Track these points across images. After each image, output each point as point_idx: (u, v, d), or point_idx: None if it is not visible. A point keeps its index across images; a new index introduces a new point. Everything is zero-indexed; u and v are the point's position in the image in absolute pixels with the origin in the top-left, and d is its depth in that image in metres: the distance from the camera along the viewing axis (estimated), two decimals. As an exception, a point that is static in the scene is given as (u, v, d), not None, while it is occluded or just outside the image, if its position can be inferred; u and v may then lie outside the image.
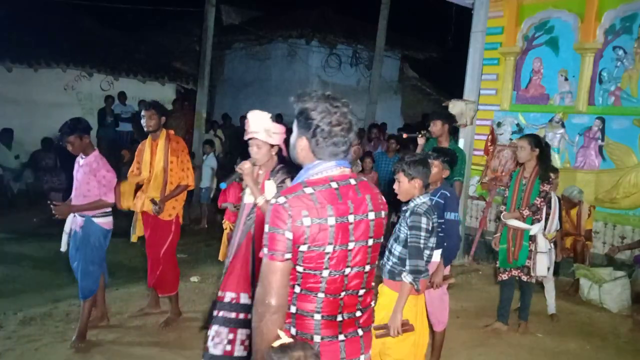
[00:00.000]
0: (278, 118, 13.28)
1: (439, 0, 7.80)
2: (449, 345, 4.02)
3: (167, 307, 4.54)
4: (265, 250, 1.65)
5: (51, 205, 3.87)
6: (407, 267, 2.77)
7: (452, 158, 3.76)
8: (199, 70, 10.76)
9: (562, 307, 5.18)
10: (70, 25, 12.44)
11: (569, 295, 5.61)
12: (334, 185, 1.71)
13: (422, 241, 2.78)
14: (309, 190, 1.67)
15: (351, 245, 1.71)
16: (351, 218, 1.70)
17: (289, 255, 1.64)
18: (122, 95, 11.26)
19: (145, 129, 4.28)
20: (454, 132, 9.39)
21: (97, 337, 4.07)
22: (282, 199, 1.65)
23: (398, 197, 2.98)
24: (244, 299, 3.08)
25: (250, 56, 14.97)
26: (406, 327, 2.77)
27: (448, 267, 3.66)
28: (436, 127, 4.89)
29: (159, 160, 4.24)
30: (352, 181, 1.76)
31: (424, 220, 2.79)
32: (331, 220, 1.65)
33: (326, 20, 14.04)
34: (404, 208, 2.97)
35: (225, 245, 5.26)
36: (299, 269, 1.68)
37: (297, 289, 1.70)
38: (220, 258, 5.33)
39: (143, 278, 4.79)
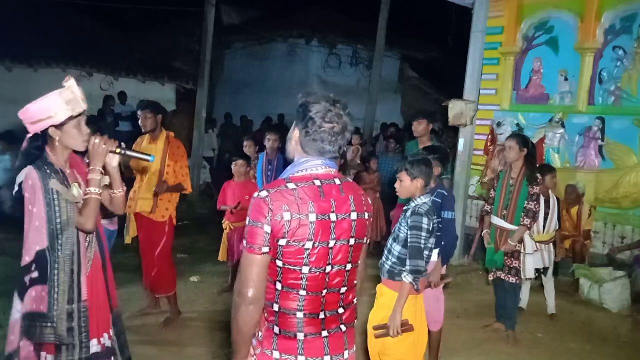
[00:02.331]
0: (280, 118, 13.35)
1: (439, 0, 7.80)
2: (449, 345, 4.02)
3: (167, 307, 4.54)
4: (245, 243, 1.69)
5: None
6: (408, 267, 2.77)
7: (444, 155, 3.76)
8: (199, 70, 10.76)
9: (562, 307, 5.18)
10: (70, 25, 12.43)
11: (569, 295, 5.60)
12: (318, 183, 1.73)
13: (422, 241, 2.78)
14: (291, 186, 1.70)
15: (332, 244, 1.72)
16: (333, 217, 1.72)
17: (266, 249, 1.66)
18: (123, 95, 11.26)
19: (143, 130, 4.27)
20: (442, 133, 9.48)
21: (97, 337, 4.07)
22: (264, 193, 1.68)
23: (397, 194, 2.99)
24: (106, 340, 2.48)
25: (250, 56, 14.97)
26: (406, 327, 2.77)
27: (444, 267, 3.66)
28: (421, 126, 4.93)
29: (155, 162, 4.22)
30: (337, 181, 1.78)
31: (425, 220, 2.79)
32: (312, 217, 1.68)
33: (326, 20, 14.04)
34: (404, 208, 2.97)
35: (226, 245, 5.28)
36: (279, 263, 1.69)
37: (279, 286, 1.72)
38: (219, 258, 5.35)
39: (142, 278, 4.78)
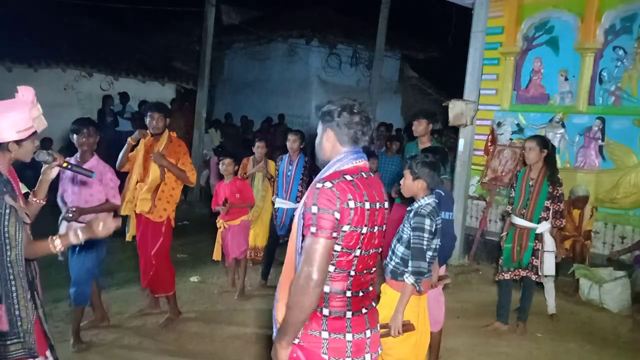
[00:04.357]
0: (280, 118, 13.34)
1: (439, 0, 7.80)
2: (449, 345, 4.02)
3: (167, 307, 4.54)
4: (313, 229, 1.80)
5: (68, 213, 3.69)
6: (410, 269, 2.78)
7: (443, 155, 3.76)
8: (199, 70, 10.76)
9: (562, 307, 5.18)
10: (70, 25, 12.43)
11: (569, 295, 5.60)
12: (364, 175, 1.94)
13: (425, 243, 2.79)
14: (348, 177, 1.88)
15: (375, 229, 1.93)
16: (377, 205, 1.93)
17: (335, 234, 1.81)
18: (125, 97, 11.23)
19: (152, 131, 4.25)
20: (442, 133, 9.46)
21: (97, 337, 4.07)
22: (328, 184, 1.83)
23: (401, 190, 3.02)
24: None
25: (250, 56, 14.96)
26: (407, 327, 2.78)
27: (444, 267, 3.66)
28: (421, 125, 4.90)
29: (154, 162, 4.21)
30: (372, 174, 2.01)
31: (427, 222, 2.79)
32: (367, 205, 1.87)
33: (326, 20, 14.02)
34: (408, 208, 2.97)
35: (220, 244, 5.28)
36: (337, 247, 1.85)
37: (331, 268, 1.86)
38: (214, 258, 5.35)
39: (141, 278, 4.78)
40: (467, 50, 6.74)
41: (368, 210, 1.86)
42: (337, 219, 1.79)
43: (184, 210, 8.87)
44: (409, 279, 2.76)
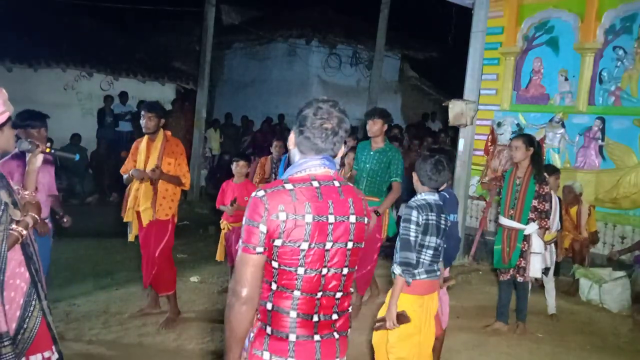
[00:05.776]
0: (280, 118, 13.31)
1: (439, 0, 7.80)
2: (449, 345, 4.02)
3: (166, 307, 4.53)
4: (240, 242, 1.69)
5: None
6: (397, 259, 2.79)
7: (450, 158, 3.77)
8: (199, 70, 10.77)
9: (562, 307, 5.18)
10: (70, 25, 12.45)
11: (569, 295, 5.60)
12: (315, 184, 1.71)
13: (412, 234, 2.78)
14: (289, 186, 1.69)
15: (329, 245, 1.70)
16: (331, 218, 1.69)
17: (260, 249, 1.66)
18: (124, 96, 11.25)
19: (143, 130, 4.26)
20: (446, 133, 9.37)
21: (97, 337, 4.07)
22: (261, 193, 1.68)
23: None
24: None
25: (250, 56, 14.97)
26: (402, 318, 2.78)
27: (447, 269, 3.66)
28: (376, 125, 4.68)
29: (152, 161, 4.20)
30: (336, 183, 1.76)
31: (414, 213, 2.80)
32: (308, 218, 1.65)
33: (326, 20, 14.04)
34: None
35: (223, 245, 5.28)
36: (275, 264, 1.68)
37: (274, 286, 1.70)
38: (217, 258, 5.35)
39: (142, 278, 4.78)
40: (467, 50, 6.74)
41: (309, 224, 1.65)
42: (263, 233, 1.64)
43: (184, 210, 8.87)
44: (396, 270, 2.77)
